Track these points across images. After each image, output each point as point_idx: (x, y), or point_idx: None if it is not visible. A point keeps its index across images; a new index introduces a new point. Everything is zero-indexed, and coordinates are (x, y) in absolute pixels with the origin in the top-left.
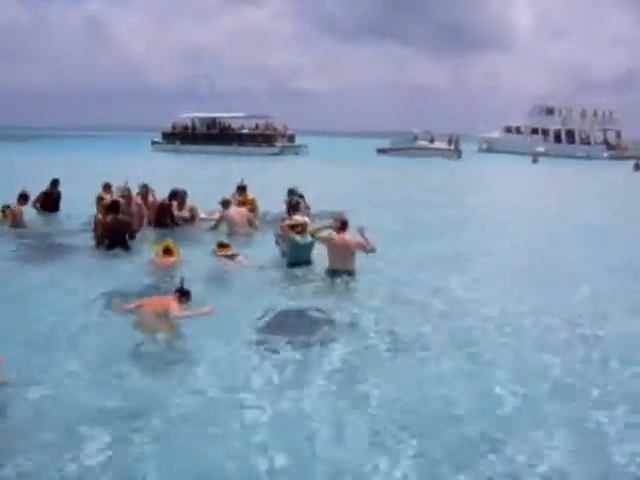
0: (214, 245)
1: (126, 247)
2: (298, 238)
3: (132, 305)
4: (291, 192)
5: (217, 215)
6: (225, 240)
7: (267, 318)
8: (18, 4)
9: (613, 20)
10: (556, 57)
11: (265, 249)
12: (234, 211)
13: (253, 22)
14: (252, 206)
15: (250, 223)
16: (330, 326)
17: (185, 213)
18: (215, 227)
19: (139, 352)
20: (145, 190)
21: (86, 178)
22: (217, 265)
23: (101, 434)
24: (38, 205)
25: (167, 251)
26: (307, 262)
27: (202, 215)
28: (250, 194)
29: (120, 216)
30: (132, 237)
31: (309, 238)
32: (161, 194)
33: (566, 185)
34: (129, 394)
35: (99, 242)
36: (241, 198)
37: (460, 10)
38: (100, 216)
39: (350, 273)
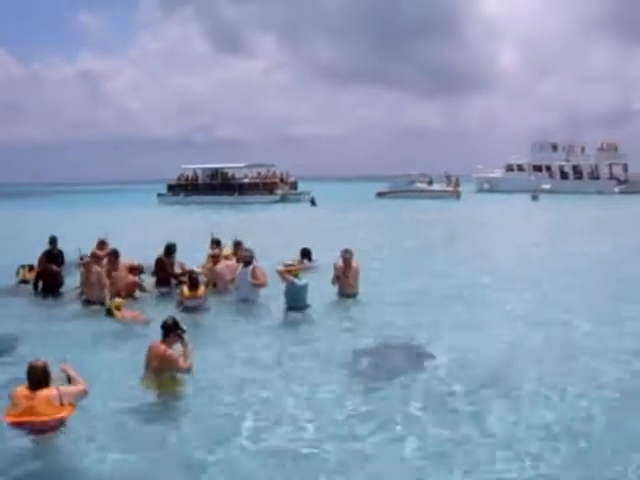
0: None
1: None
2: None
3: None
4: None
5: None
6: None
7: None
8: (15, 63)
9: (597, 56)
10: (546, 95)
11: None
12: (223, 265)
13: (246, 72)
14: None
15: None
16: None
17: (177, 269)
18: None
19: None
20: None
21: (87, 234)
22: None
23: None
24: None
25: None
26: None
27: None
28: (226, 249)
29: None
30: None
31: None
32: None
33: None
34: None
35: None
36: (213, 253)
37: (446, 53)
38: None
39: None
